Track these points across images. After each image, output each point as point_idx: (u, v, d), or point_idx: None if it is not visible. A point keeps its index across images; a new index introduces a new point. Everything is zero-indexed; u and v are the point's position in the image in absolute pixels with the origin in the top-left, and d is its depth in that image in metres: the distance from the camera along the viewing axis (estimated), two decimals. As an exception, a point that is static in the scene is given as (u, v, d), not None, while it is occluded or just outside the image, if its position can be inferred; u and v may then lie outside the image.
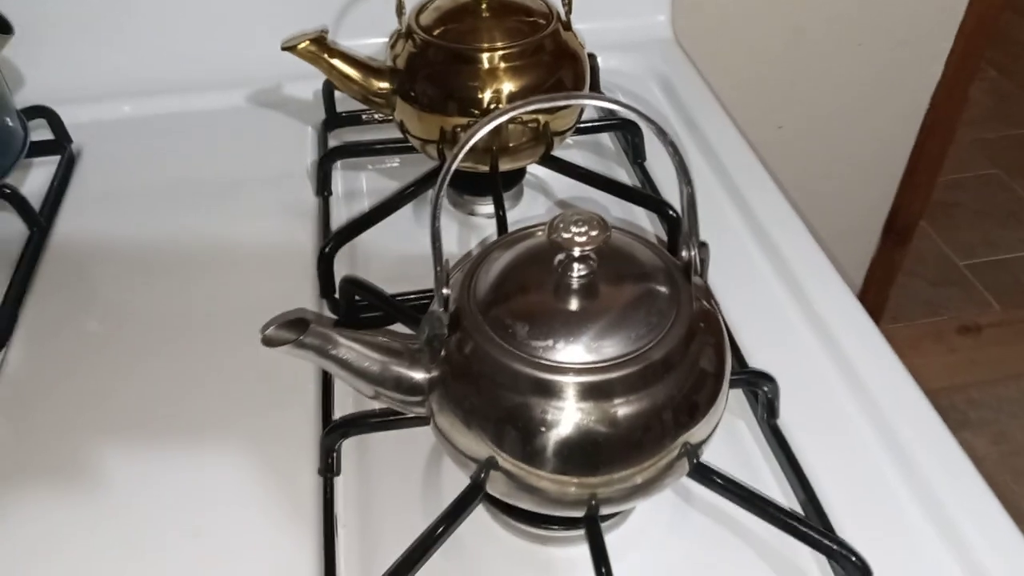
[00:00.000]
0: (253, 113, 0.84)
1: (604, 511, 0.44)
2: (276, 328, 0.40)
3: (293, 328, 0.40)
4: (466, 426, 0.42)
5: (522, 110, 0.39)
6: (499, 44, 0.63)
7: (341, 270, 0.63)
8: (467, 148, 0.38)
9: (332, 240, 0.62)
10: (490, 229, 0.71)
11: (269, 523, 0.50)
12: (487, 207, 0.72)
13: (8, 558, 0.49)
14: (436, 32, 0.64)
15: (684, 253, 0.43)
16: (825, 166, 1.22)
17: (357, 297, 0.61)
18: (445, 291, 0.41)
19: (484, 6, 0.65)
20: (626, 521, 0.51)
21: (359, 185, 0.76)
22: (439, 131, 0.65)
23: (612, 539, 0.47)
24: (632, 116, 0.39)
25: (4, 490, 0.52)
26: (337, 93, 0.81)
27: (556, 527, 0.48)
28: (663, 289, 0.42)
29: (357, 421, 0.52)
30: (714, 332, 0.43)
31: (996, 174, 2.27)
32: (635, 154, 0.75)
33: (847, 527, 0.49)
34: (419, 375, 0.43)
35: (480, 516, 0.50)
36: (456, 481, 0.49)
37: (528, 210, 0.74)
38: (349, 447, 0.53)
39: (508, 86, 0.63)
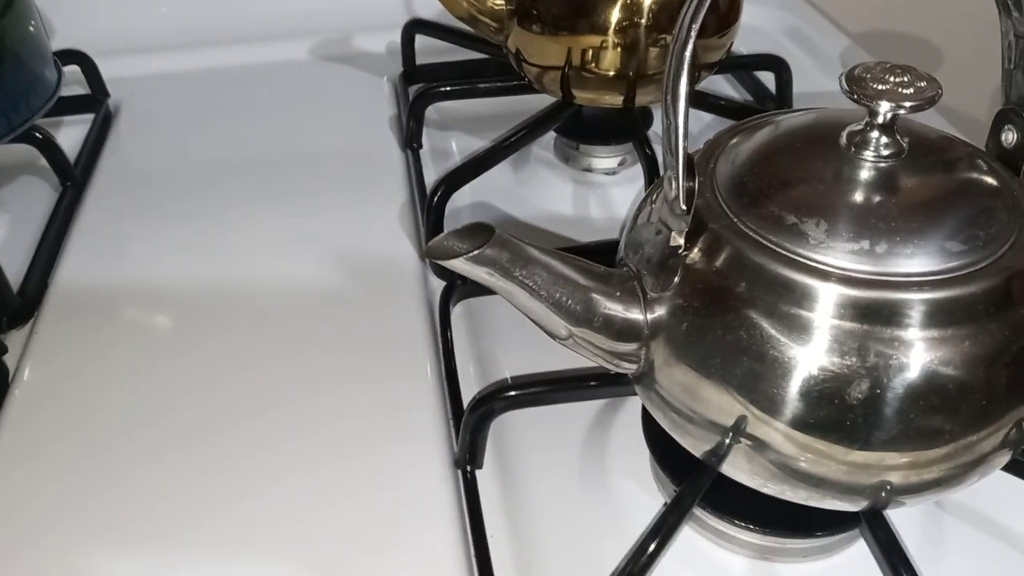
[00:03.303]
0: (317, 67, 0.72)
1: (897, 504, 0.31)
2: (447, 236, 0.28)
3: (469, 237, 0.28)
4: (708, 378, 0.29)
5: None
6: (640, -53, 0.51)
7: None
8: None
9: (443, 184, 0.50)
10: (614, 188, 0.60)
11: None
12: (607, 161, 0.60)
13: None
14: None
15: (1005, 136, 0.31)
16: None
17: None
18: (688, 183, 0.29)
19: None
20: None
21: (447, 145, 0.64)
22: (565, 55, 0.53)
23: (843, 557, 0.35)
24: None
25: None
26: (418, 42, 0.70)
27: (788, 534, 0.36)
28: (992, 182, 0.30)
29: (500, 395, 0.39)
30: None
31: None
32: (780, 97, 0.62)
33: None
34: (635, 314, 0.30)
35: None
36: (626, 473, 0.40)
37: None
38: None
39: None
